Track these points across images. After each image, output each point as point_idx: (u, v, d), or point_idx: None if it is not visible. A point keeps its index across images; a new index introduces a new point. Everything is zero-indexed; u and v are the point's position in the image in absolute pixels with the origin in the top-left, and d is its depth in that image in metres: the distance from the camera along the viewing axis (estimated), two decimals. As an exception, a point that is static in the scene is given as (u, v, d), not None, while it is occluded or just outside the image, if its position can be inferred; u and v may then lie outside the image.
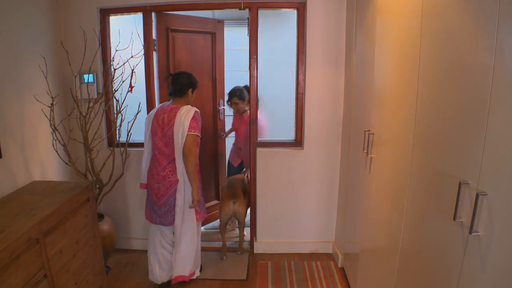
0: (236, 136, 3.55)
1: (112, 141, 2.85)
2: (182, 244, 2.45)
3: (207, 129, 3.39)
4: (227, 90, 3.58)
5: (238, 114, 3.46)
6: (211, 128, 3.45)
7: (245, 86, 3.36)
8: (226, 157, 3.75)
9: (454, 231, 1.18)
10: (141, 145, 2.99)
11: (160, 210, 2.39)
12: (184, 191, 2.37)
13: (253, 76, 2.90)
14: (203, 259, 2.92)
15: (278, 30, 4.09)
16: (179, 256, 2.47)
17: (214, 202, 3.62)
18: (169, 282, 2.55)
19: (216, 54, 3.33)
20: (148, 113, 2.95)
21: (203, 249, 3.16)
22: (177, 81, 2.39)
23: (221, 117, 3.50)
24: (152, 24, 2.87)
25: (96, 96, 2.76)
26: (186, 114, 2.30)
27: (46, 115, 2.42)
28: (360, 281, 2.31)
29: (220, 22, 3.34)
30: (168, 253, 2.52)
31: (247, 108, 3.30)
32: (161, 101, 3.02)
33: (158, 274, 2.50)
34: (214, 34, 3.28)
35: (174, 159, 2.34)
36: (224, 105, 3.52)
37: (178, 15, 3.02)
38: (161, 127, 2.34)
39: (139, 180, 3.04)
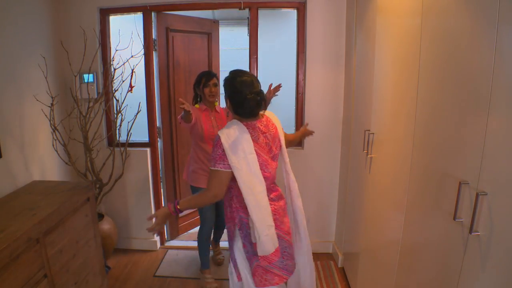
0: (206, 143, 2.43)
1: (112, 141, 2.85)
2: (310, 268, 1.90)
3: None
4: (223, 89, 3.56)
5: (208, 107, 2.49)
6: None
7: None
8: None
9: (454, 231, 1.18)
10: (141, 144, 3.00)
11: (292, 248, 1.81)
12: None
13: (253, 76, 2.90)
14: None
15: (278, 30, 4.10)
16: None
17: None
18: None
19: (212, 54, 3.34)
20: (151, 116, 2.96)
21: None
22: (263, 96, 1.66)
23: None
24: (152, 24, 2.87)
25: (96, 96, 2.76)
26: (275, 119, 1.81)
27: (46, 115, 2.42)
28: (360, 281, 2.31)
29: (215, 23, 3.35)
30: None
31: None
32: (161, 101, 3.02)
33: None
34: (210, 34, 3.30)
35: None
36: (220, 104, 3.47)
37: (178, 15, 3.02)
38: (268, 153, 1.70)
39: (139, 180, 3.07)
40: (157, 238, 3.16)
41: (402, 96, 1.65)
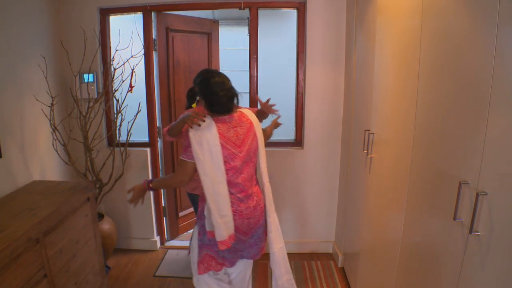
0: None
1: (112, 141, 2.85)
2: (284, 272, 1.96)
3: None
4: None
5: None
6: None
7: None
8: None
9: (454, 230, 1.18)
10: (141, 144, 3.00)
11: (243, 244, 1.86)
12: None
13: (253, 76, 2.90)
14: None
15: (278, 30, 4.10)
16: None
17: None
18: None
19: (212, 53, 3.35)
20: (151, 116, 2.96)
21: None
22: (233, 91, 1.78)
23: None
24: (152, 24, 2.87)
25: (96, 96, 2.76)
26: (252, 115, 1.86)
27: (46, 115, 2.42)
28: (360, 281, 2.31)
29: (215, 23, 3.36)
30: None
31: None
32: (161, 101, 3.02)
33: None
34: (210, 34, 3.31)
35: (254, 175, 1.88)
36: None
37: (178, 15, 3.02)
38: (239, 146, 1.74)
39: (140, 180, 3.04)
40: (157, 238, 3.16)
41: (402, 96, 1.65)
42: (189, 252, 2.01)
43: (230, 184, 1.74)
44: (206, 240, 1.80)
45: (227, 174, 1.72)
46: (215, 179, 1.68)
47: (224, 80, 1.76)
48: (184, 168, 1.73)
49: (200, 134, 1.67)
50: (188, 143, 1.68)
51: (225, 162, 1.70)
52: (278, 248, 1.90)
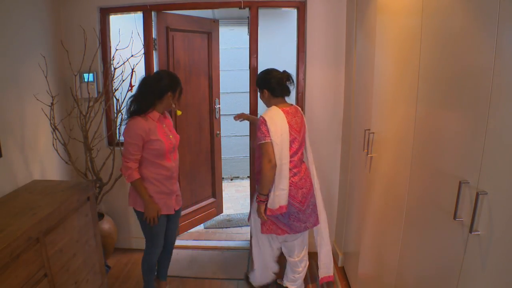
0: (166, 159, 2.10)
1: (112, 140, 2.85)
2: (325, 242, 2.39)
3: (204, 127, 3.43)
4: (222, 89, 3.55)
5: (160, 114, 2.11)
6: (207, 126, 3.48)
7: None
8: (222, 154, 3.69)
9: (454, 230, 1.18)
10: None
11: (304, 215, 2.20)
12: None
13: (253, 76, 2.90)
14: (204, 258, 2.92)
15: (278, 30, 4.10)
16: (324, 255, 2.40)
17: (211, 200, 3.65)
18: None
19: (212, 53, 3.35)
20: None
21: (203, 248, 3.17)
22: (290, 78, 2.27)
23: (216, 115, 3.51)
24: (152, 23, 2.87)
25: (96, 95, 2.76)
26: (301, 111, 2.30)
27: (46, 114, 2.42)
28: (360, 281, 2.31)
29: (215, 22, 3.36)
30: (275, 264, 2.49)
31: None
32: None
33: (260, 279, 2.52)
34: (210, 34, 3.31)
35: (302, 156, 2.28)
36: (219, 104, 3.50)
37: (178, 14, 3.02)
38: (297, 131, 2.17)
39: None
40: (157, 238, 3.16)
41: (402, 95, 1.65)
42: (249, 219, 2.45)
43: (291, 162, 2.13)
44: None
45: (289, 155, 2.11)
46: (282, 160, 2.07)
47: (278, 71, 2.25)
48: (269, 150, 2.05)
49: (275, 122, 2.08)
50: (268, 129, 2.06)
51: (290, 146, 2.11)
52: (323, 218, 2.35)
